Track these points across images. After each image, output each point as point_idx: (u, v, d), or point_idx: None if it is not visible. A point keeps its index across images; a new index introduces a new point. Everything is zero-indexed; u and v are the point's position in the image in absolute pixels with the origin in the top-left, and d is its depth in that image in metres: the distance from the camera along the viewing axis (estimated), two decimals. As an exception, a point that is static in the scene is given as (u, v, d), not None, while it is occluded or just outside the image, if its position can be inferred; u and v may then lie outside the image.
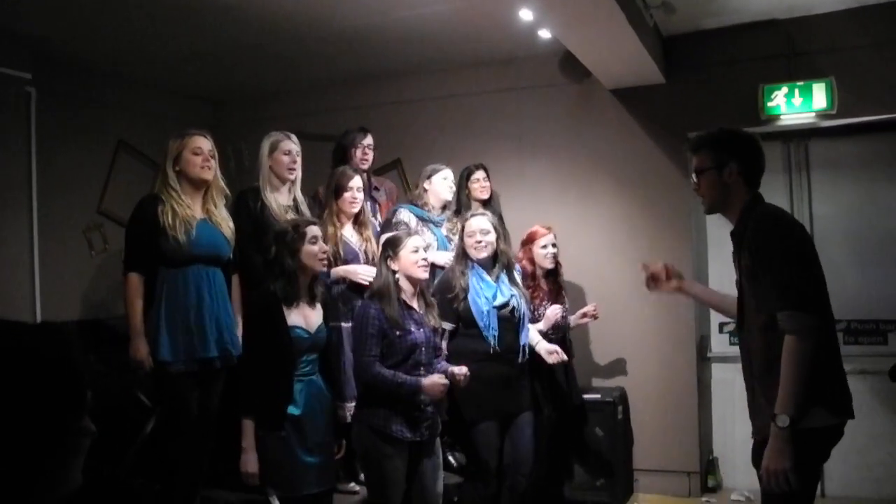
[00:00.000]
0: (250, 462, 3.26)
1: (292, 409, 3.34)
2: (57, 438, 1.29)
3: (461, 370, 3.61)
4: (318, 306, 3.57)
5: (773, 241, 2.62)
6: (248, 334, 3.53)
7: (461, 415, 3.89)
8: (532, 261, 4.60)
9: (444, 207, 4.79)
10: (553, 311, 4.40)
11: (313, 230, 3.50)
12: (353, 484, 4.40)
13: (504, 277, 4.08)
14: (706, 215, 2.92)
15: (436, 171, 4.74)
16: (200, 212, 3.77)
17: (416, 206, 4.74)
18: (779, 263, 2.57)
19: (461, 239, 4.07)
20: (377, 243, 4.34)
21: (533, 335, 4.24)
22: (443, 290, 3.94)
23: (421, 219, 4.62)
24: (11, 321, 1.33)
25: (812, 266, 2.64)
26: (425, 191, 4.72)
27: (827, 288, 2.70)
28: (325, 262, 3.57)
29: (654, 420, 5.35)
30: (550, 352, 4.17)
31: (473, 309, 3.90)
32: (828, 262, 2.86)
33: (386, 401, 3.50)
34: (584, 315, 4.72)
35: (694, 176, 2.87)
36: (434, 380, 3.48)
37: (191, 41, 5.13)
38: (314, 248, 3.45)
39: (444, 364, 3.75)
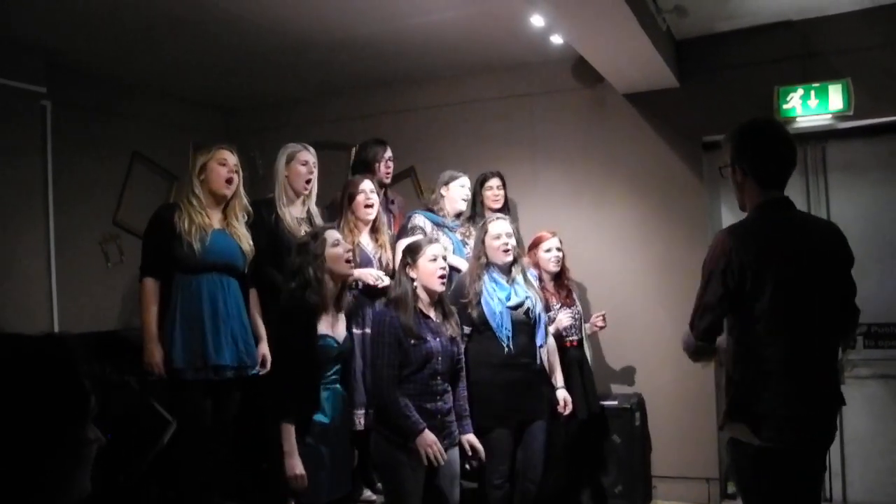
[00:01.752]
0: (296, 465, 3.24)
1: (321, 417, 3.36)
2: (61, 447, 1.31)
3: (478, 448, 3.63)
4: (343, 315, 3.57)
5: (707, 257, 2.66)
6: (279, 341, 3.55)
7: (476, 421, 3.87)
8: (537, 265, 4.65)
9: (458, 215, 4.79)
10: (564, 316, 4.49)
11: (333, 234, 3.52)
12: (368, 493, 4.39)
13: (519, 279, 4.07)
14: (741, 210, 2.86)
15: (454, 179, 4.74)
16: (219, 223, 3.79)
17: (431, 211, 4.74)
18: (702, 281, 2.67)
19: (481, 243, 4.04)
20: (393, 251, 4.35)
21: (558, 377, 4.30)
22: (457, 296, 3.93)
23: (436, 224, 4.62)
24: (13, 333, 1.34)
25: (714, 285, 2.60)
26: (442, 196, 4.72)
27: (806, 308, 2.60)
28: (352, 262, 3.59)
29: (672, 426, 5.31)
30: (564, 400, 4.25)
31: (486, 310, 3.88)
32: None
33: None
34: (594, 324, 4.81)
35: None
36: (430, 441, 3.39)
37: (203, 51, 5.15)
38: (338, 251, 3.48)
39: (467, 429, 3.72)
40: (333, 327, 3.46)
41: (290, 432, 3.26)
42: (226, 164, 3.79)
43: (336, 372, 3.50)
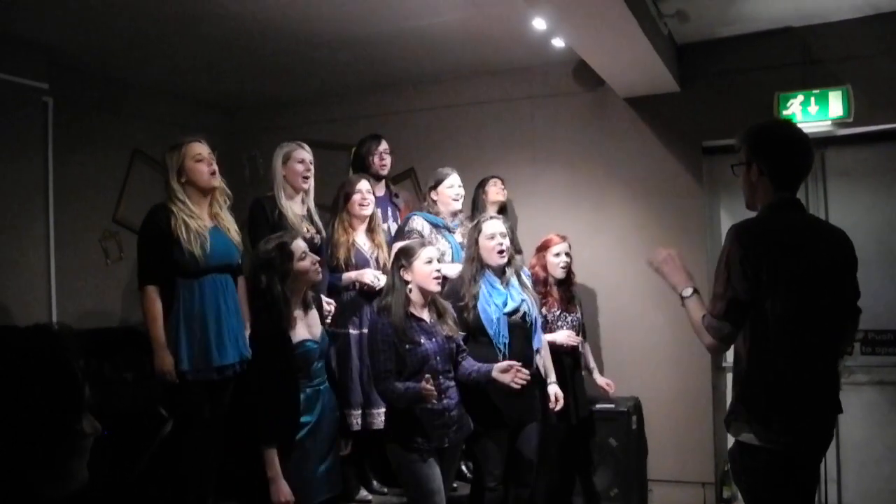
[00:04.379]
0: (283, 491, 3.20)
1: (308, 419, 3.34)
2: (55, 437, 1.32)
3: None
4: (314, 310, 3.56)
5: (727, 248, 2.64)
6: (259, 366, 3.44)
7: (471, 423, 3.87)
8: (545, 268, 4.61)
9: (456, 214, 4.78)
10: (562, 336, 4.47)
11: (299, 246, 3.44)
12: (364, 492, 4.40)
13: (514, 282, 4.04)
14: (748, 209, 2.87)
15: (441, 180, 4.65)
16: (209, 219, 3.78)
17: (429, 213, 4.73)
18: (719, 270, 2.65)
19: (475, 243, 3.98)
20: (389, 251, 4.35)
21: (550, 374, 4.28)
22: (451, 299, 3.88)
23: (435, 226, 4.61)
24: (3, 325, 1.35)
25: (746, 283, 2.57)
26: (433, 201, 4.69)
27: (816, 308, 2.62)
28: (319, 270, 3.52)
29: (668, 430, 5.32)
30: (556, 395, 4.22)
31: (483, 317, 3.84)
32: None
33: (411, 414, 3.49)
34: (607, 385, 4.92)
35: (731, 166, 2.85)
36: (425, 387, 3.36)
37: (205, 50, 5.17)
38: (305, 264, 3.42)
39: (469, 364, 3.70)
40: (310, 329, 3.44)
41: (273, 457, 3.22)
42: (203, 158, 3.74)
43: (320, 371, 3.48)
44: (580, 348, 4.72)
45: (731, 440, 5.15)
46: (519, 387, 3.54)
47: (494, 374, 3.53)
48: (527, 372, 3.57)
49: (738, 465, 2.72)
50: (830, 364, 2.70)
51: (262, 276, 3.38)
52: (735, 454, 2.74)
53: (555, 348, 4.44)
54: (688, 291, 2.80)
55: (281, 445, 3.25)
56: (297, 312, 3.43)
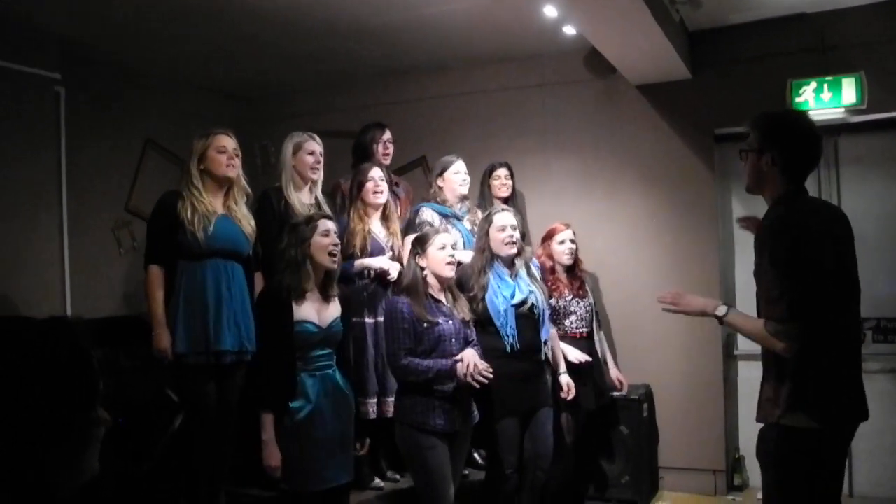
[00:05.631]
0: (273, 455, 3.26)
1: (304, 404, 3.34)
2: (70, 427, 1.33)
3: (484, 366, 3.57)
4: (336, 302, 3.57)
5: (770, 249, 2.62)
6: (259, 328, 3.58)
7: (483, 411, 3.89)
8: (551, 256, 4.64)
9: (463, 199, 4.78)
10: (576, 356, 4.43)
11: (326, 223, 3.51)
12: (378, 480, 4.42)
13: (523, 273, 4.07)
14: (747, 192, 2.87)
15: (447, 166, 4.71)
16: (221, 208, 3.82)
17: (436, 203, 4.73)
18: (770, 273, 2.61)
19: (485, 234, 4.03)
20: (402, 240, 4.37)
21: (560, 363, 4.30)
22: (460, 289, 3.91)
23: (444, 216, 4.62)
24: (21, 316, 1.36)
25: (808, 275, 2.57)
26: (440, 188, 4.71)
27: (851, 291, 2.73)
28: (336, 256, 3.53)
29: (679, 418, 5.32)
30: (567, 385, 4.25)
31: (491, 308, 3.88)
32: (857, 260, 2.83)
33: (423, 395, 3.53)
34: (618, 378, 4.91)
35: (740, 151, 2.85)
36: (468, 364, 3.48)
37: (216, 39, 5.17)
38: (325, 241, 3.45)
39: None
40: (319, 313, 3.44)
41: (268, 421, 3.27)
42: (225, 151, 3.79)
43: (323, 357, 3.46)
44: (595, 336, 4.74)
45: (743, 427, 5.14)
46: (479, 385, 3.51)
47: (459, 370, 3.50)
48: (484, 366, 3.54)
49: (781, 451, 2.67)
50: (859, 343, 2.82)
51: (286, 237, 3.49)
52: (776, 440, 2.68)
53: (570, 334, 4.48)
54: (722, 310, 2.78)
55: (276, 412, 3.29)
56: (312, 295, 3.45)
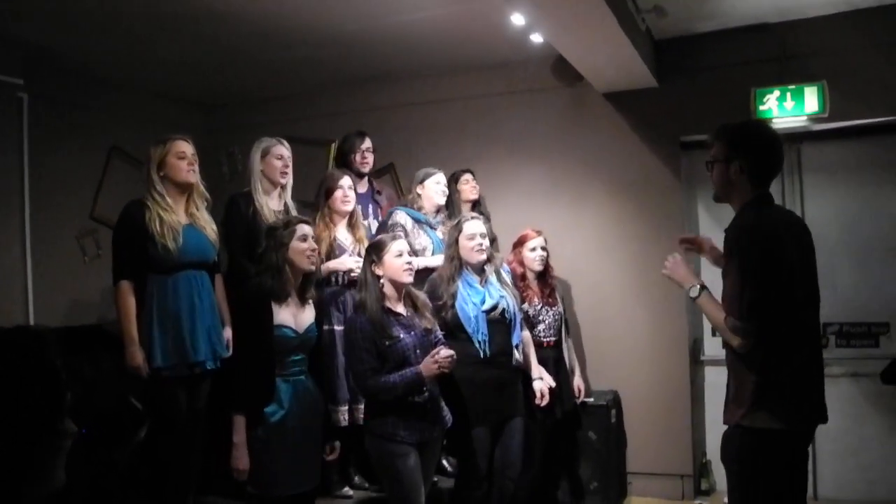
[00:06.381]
0: (241, 458, 3.23)
1: (276, 409, 3.31)
2: (37, 439, 1.31)
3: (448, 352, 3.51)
4: (311, 306, 3.55)
5: (738, 250, 2.72)
6: (238, 330, 3.54)
7: (455, 418, 3.88)
8: (522, 263, 4.65)
9: (438, 211, 4.80)
10: (541, 386, 4.33)
11: (304, 228, 3.48)
12: (347, 489, 4.39)
13: (493, 280, 4.07)
14: (715, 201, 3.02)
15: (428, 176, 4.73)
16: (184, 216, 3.80)
17: (412, 208, 4.75)
18: (736, 273, 2.71)
19: (455, 242, 4.02)
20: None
21: (534, 370, 4.30)
22: (430, 297, 3.88)
23: (417, 221, 4.62)
24: None
25: (772, 278, 2.67)
26: (419, 195, 4.73)
27: (813, 297, 2.84)
28: (314, 260, 3.51)
29: (647, 423, 5.35)
30: (541, 391, 4.24)
31: (461, 315, 3.87)
32: (820, 266, 2.92)
33: (392, 408, 3.49)
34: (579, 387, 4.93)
35: (707, 162, 2.94)
36: (434, 360, 3.43)
37: (183, 47, 5.13)
38: (303, 245, 3.43)
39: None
40: (296, 318, 3.42)
41: (240, 424, 3.24)
42: (185, 157, 3.78)
43: (297, 363, 3.43)
44: (563, 343, 4.75)
45: (710, 432, 5.19)
46: (447, 369, 3.47)
47: (424, 371, 3.47)
48: (448, 353, 3.49)
49: (745, 451, 2.74)
50: (820, 346, 2.93)
51: (264, 241, 3.46)
52: (740, 440, 2.75)
53: (538, 342, 4.48)
54: (694, 291, 2.92)
55: (248, 414, 3.26)
56: (291, 299, 3.42)
